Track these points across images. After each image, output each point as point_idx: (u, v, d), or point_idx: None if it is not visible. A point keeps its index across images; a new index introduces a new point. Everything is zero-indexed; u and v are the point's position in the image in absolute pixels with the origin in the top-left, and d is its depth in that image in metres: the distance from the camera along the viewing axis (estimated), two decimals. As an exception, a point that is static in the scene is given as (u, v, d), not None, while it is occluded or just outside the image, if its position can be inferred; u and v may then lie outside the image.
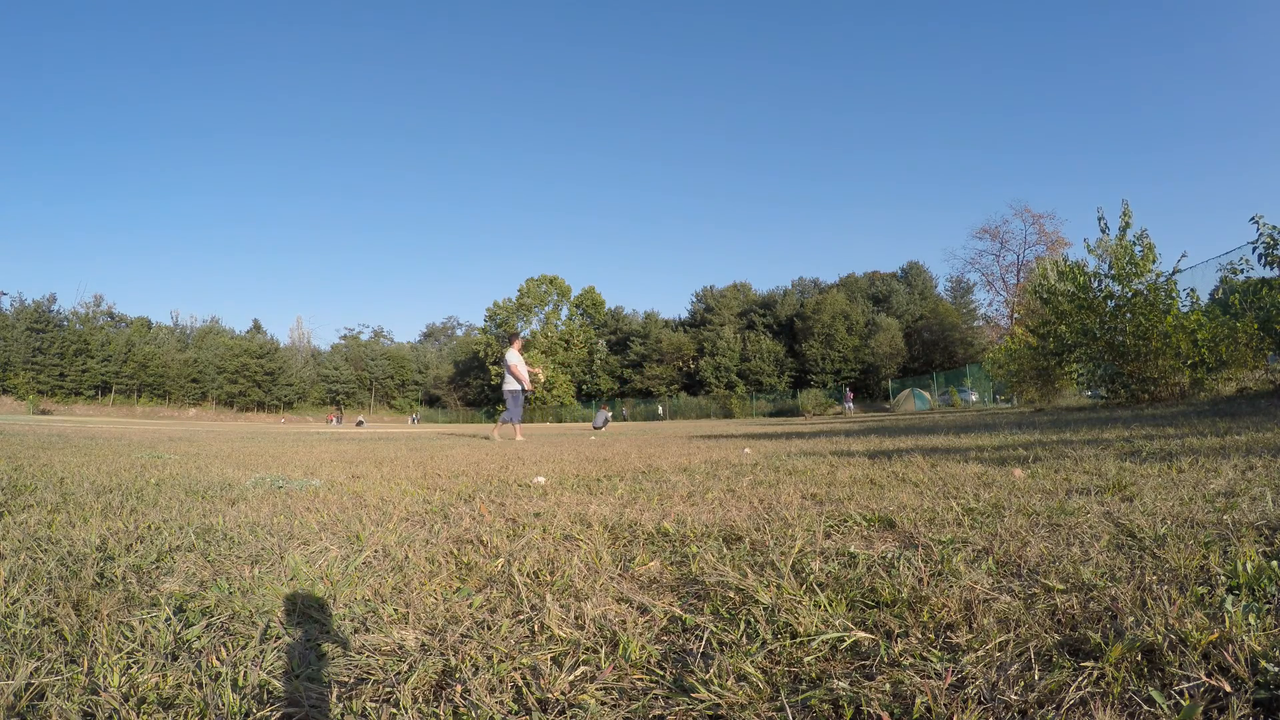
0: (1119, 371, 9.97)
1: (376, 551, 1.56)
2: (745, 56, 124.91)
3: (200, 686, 0.87)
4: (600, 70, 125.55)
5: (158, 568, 1.42)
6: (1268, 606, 0.94)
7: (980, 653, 0.87)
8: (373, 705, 0.83)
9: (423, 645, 0.99)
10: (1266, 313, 7.97)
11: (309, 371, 73.11)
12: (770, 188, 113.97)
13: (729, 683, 0.84)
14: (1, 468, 3.49)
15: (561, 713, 0.81)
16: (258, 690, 0.87)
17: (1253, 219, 7.39)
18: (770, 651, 0.93)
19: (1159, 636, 0.85)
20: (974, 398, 28.81)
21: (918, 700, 0.76)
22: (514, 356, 9.92)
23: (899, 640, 0.93)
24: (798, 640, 0.95)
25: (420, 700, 0.84)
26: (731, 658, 0.90)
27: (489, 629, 1.05)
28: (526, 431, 14.78)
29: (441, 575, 1.35)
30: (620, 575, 1.34)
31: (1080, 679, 0.78)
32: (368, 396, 76.05)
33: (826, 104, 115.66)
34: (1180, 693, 0.75)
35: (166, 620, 1.09)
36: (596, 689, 0.85)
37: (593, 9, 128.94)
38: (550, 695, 0.84)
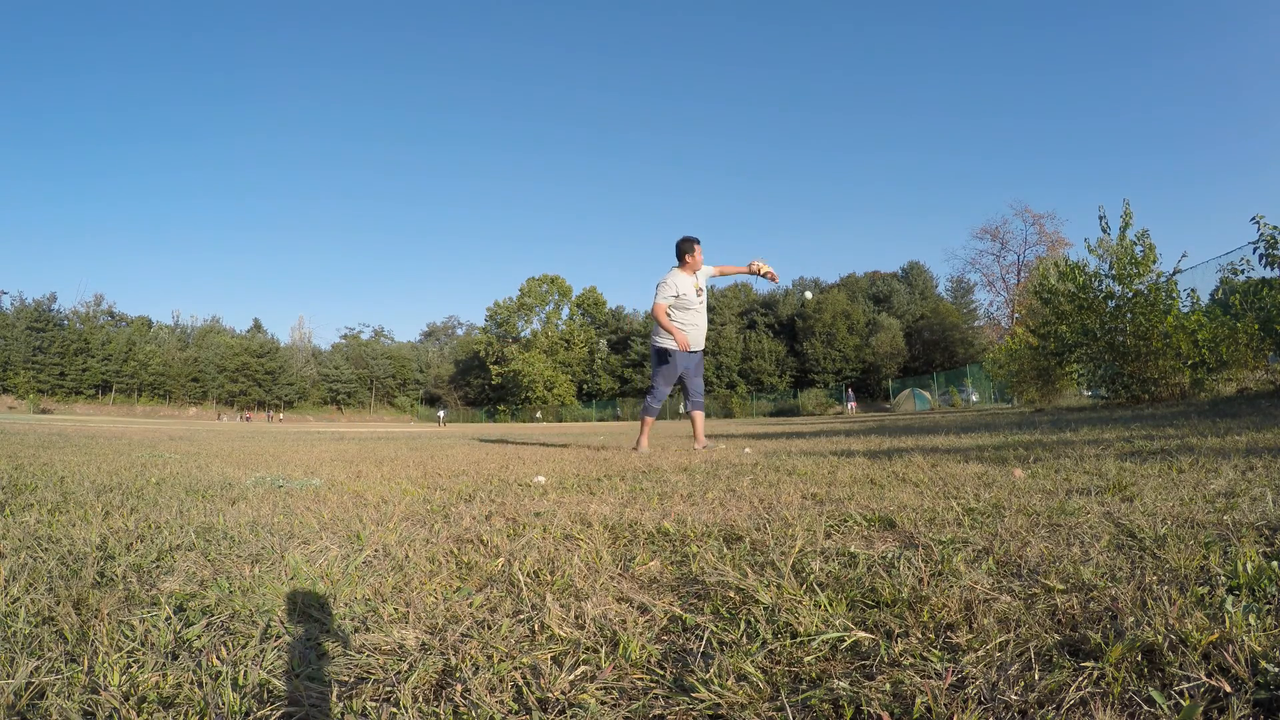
0: (1119, 372, 9.97)
1: (377, 551, 1.56)
2: (746, 57, 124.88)
3: (200, 685, 0.87)
4: (601, 71, 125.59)
5: (158, 567, 1.42)
6: (1268, 607, 0.94)
7: (980, 653, 0.87)
8: (373, 704, 0.83)
9: (423, 644, 0.99)
10: (1267, 313, 7.96)
11: (310, 371, 73.07)
12: (771, 188, 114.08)
13: (729, 682, 0.84)
14: (2, 466, 3.49)
15: (562, 712, 0.81)
16: (258, 689, 0.87)
17: (1253, 219, 7.39)
18: (770, 651, 0.93)
19: (1159, 637, 0.85)
20: (974, 398, 28.81)
21: (918, 700, 0.76)
22: (667, 288, 5.23)
23: (899, 640, 0.93)
24: (798, 640, 0.95)
25: (420, 700, 0.84)
26: (732, 657, 0.90)
27: (489, 628, 1.05)
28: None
29: (442, 574, 1.35)
30: (620, 575, 1.34)
31: (1080, 679, 0.78)
32: (368, 396, 76.04)
33: (827, 104, 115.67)
34: (1180, 693, 0.75)
35: (167, 619, 1.09)
36: (597, 688, 0.85)
37: (593, 10, 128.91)
38: (550, 695, 0.84)
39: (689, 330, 5.31)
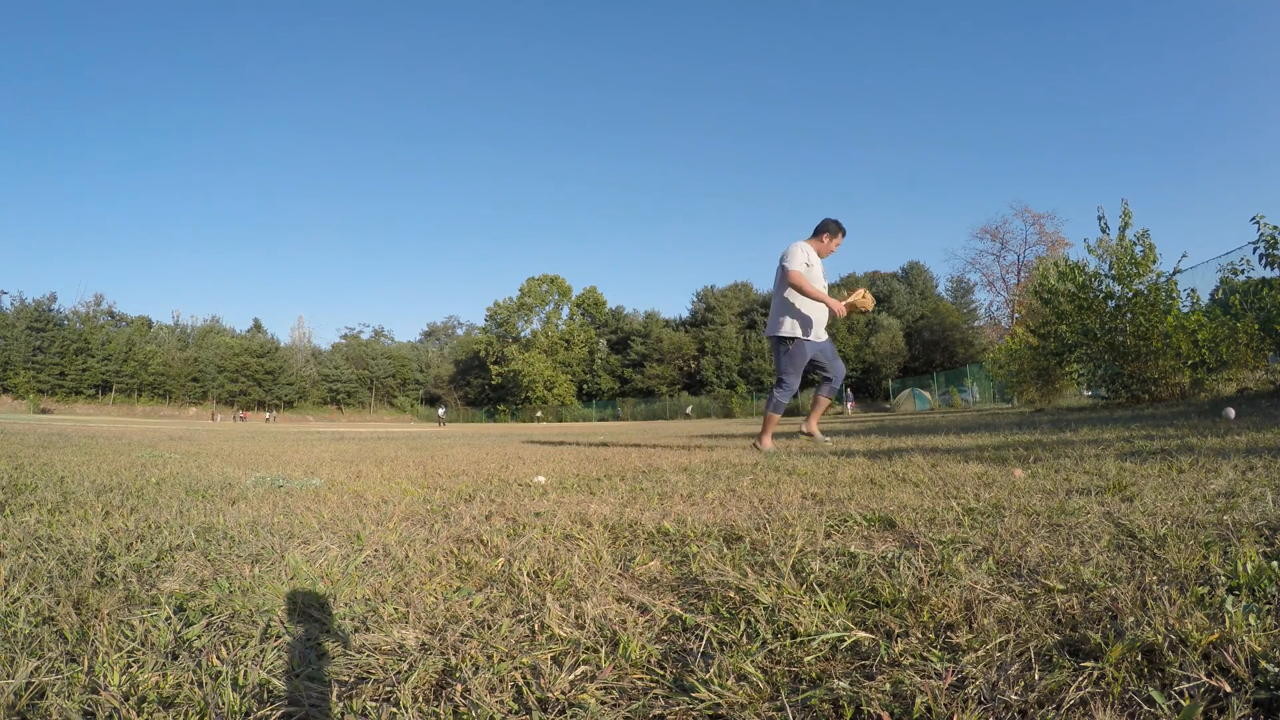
0: (1119, 372, 9.97)
1: (377, 550, 1.56)
2: (745, 55, 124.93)
3: (200, 685, 0.87)
4: (601, 70, 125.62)
5: (158, 566, 1.42)
6: (1268, 607, 0.94)
7: (980, 653, 0.87)
8: (373, 704, 0.83)
9: (423, 644, 0.99)
10: (1267, 313, 7.96)
11: (310, 371, 73.06)
12: (771, 187, 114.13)
13: (729, 682, 0.84)
14: (2, 466, 3.49)
15: (562, 712, 0.81)
16: (258, 689, 0.87)
17: (1253, 219, 7.39)
18: (770, 651, 0.93)
19: (1159, 636, 0.85)
20: (974, 398, 28.81)
21: (918, 700, 0.76)
22: (799, 253, 4.63)
23: (899, 640, 0.93)
24: (798, 640, 0.95)
25: (420, 699, 0.84)
26: (732, 657, 0.90)
27: (489, 628, 1.05)
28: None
29: (442, 574, 1.35)
30: (620, 575, 1.34)
31: (1080, 679, 0.78)
32: (368, 396, 76.03)
33: (826, 103, 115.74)
34: (1180, 693, 0.75)
35: (167, 619, 1.09)
36: (597, 688, 0.85)
37: (592, 8, 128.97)
38: (550, 694, 0.84)
39: (814, 314, 4.67)
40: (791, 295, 4.65)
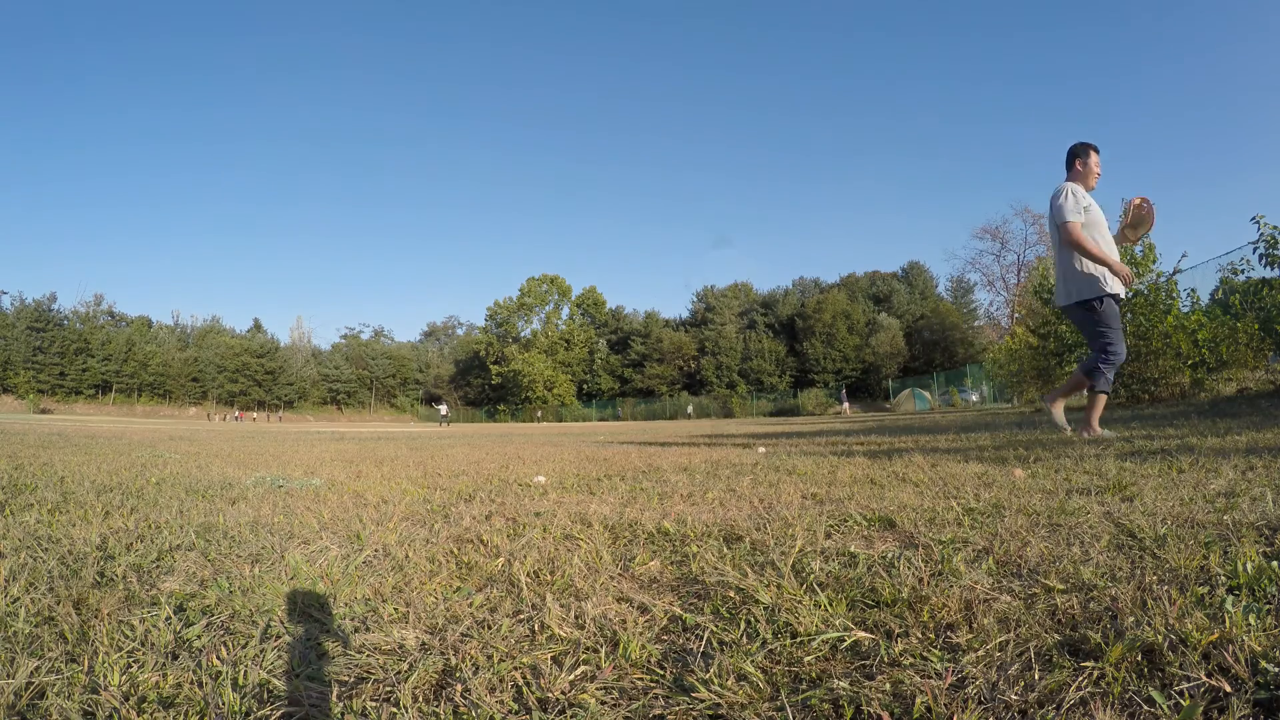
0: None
1: (377, 550, 1.56)
2: (745, 56, 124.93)
3: (200, 685, 0.87)
4: (601, 70, 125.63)
5: (158, 566, 1.42)
6: (1268, 607, 0.94)
7: (980, 653, 0.87)
8: (373, 704, 0.83)
9: (423, 644, 1.00)
10: (1267, 313, 7.96)
11: (310, 371, 73.05)
12: (771, 187, 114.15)
13: (729, 682, 0.84)
14: (2, 466, 3.49)
15: (562, 712, 0.81)
16: (258, 689, 0.87)
17: (1253, 219, 7.37)
18: (770, 651, 0.93)
19: (1159, 636, 0.85)
20: (974, 398, 28.81)
21: (918, 700, 0.76)
22: (1072, 198, 3.87)
23: (899, 640, 0.93)
24: (798, 640, 0.95)
25: (420, 699, 0.84)
26: (732, 657, 0.90)
27: (489, 628, 1.05)
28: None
29: (442, 574, 1.35)
30: (620, 575, 1.34)
31: (1080, 679, 0.78)
32: (368, 396, 76.02)
33: (826, 103, 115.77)
34: (1180, 693, 0.75)
35: (167, 619, 1.09)
36: (597, 688, 0.85)
37: (592, 11, 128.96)
38: (550, 694, 0.84)
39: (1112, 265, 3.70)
40: (1080, 238, 3.80)
